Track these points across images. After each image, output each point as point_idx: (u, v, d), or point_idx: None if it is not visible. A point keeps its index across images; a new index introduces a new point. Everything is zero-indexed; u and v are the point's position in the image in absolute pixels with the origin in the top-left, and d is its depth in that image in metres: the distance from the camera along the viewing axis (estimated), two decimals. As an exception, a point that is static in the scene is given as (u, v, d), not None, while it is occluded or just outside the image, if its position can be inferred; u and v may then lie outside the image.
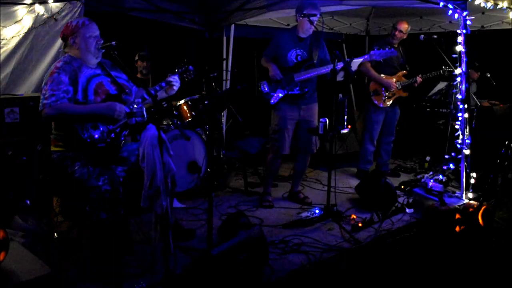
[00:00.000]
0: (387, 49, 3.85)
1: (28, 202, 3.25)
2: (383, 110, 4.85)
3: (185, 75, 3.11)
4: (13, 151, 3.22)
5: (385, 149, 5.06)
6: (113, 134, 2.67)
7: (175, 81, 3.01)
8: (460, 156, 4.03)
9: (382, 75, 4.75)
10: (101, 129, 2.64)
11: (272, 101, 3.94)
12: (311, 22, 3.71)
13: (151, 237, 2.82)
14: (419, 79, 4.76)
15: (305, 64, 3.89)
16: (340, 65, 3.59)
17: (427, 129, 5.71)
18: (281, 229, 3.57)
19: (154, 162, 2.66)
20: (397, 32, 4.69)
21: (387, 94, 4.78)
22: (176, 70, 3.10)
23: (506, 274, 2.83)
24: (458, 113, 4.04)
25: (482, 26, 5.89)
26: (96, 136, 2.61)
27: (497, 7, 4.29)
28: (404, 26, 4.68)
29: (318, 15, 3.79)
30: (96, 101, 2.69)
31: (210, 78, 4.57)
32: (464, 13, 3.83)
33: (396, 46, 4.79)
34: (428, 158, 5.56)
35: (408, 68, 4.86)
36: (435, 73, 4.78)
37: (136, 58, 5.04)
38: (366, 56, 3.84)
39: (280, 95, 3.91)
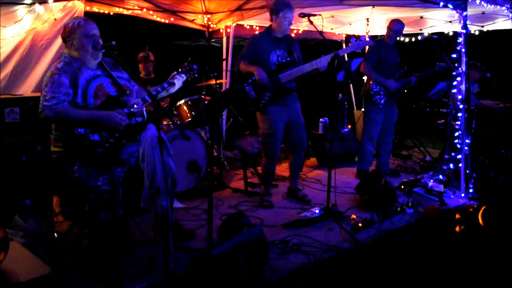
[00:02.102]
0: (363, 39, 3.83)
1: (28, 202, 3.25)
2: (382, 110, 4.85)
3: (189, 74, 3.10)
4: (13, 151, 3.22)
5: (384, 149, 5.07)
6: (112, 139, 2.67)
7: (178, 80, 3.02)
8: (460, 156, 4.03)
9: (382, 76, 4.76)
10: (101, 133, 2.63)
11: (260, 103, 3.90)
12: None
13: (151, 237, 2.82)
14: (414, 79, 4.79)
15: (287, 64, 3.87)
16: (325, 61, 3.55)
17: (427, 129, 5.72)
18: (281, 229, 3.56)
19: (154, 162, 2.66)
20: (391, 33, 4.71)
21: (387, 94, 4.79)
22: (180, 70, 3.10)
23: (506, 274, 2.83)
24: (458, 113, 4.05)
25: (482, 26, 5.89)
26: (95, 139, 2.60)
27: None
28: (399, 26, 4.69)
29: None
30: (96, 104, 2.68)
31: (210, 78, 4.58)
32: (464, 13, 3.84)
33: (392, 46, 4.80)
34: (428, 158, 5.57)
35: (405, 67, 4.87)
36: (430, 70, 4.79)
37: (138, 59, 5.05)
38: (346, 48, 3.81)
39: (266, 97, 3.87)
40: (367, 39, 3.90)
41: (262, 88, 3.85)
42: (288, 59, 3.89)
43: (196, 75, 3.14)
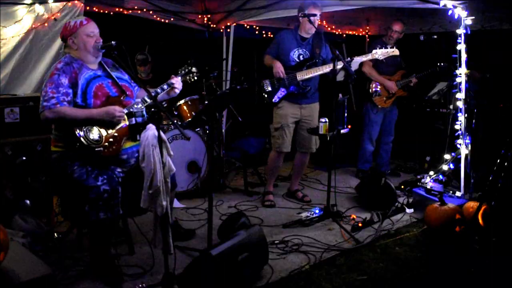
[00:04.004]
0: (388, 47, 3.86)
1: (28, 202, 3.25)
2: (382, 110, 4.86)
3: (188, 77, 3.10)
4: (13, 151, 3.22)
5: (384, 149, 5.07)
6: (111, 138, 2.66)
7: (178, 83, 3.00)
8: (460, 156, 4.03)
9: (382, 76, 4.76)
10: (100, 132, 2.63)
11: (274, 99, 3.95)
12: (311, 22, 3.72)
13: (151, 237, 2.82)
14: (414, 79, 4.79)
15: (307, 63, 3.90)
16: (339, 64, 3.59)
17: (427, 129, 5.71)
18: (281, 229, 3.57)
19: (154, 162, 2.66)
20: (392, 33, 4.71)
21: (388, 94, 4.79)
22: (179, 72, 3.09)
23: (506, 275, 2.83)
24: (458, 113, 4.04)
25: (482, 26, 5.89)
26: (95, 138, 2.60)
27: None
28: (399, 26, 4.69)
29: (318, 15, 3.80)
30: (96, 104, 2.68)
31: (210, 78, 4.57)
32: (464, 13, 3.83)
33: (392, 46, 4.80)
34: (428, 158, 5.56)
35: (405, 67, 4.86)
36: (430, 70, 4.80)
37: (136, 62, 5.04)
38: (368, 54, 3.84)
39: (282, 93, 3.92)
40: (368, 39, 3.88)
41: (278, 82, 3.90)
42: (309, 58, 3.91)
43: (195, 78, 3.15)
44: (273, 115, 4.10)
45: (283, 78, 3.88)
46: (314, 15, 3.75)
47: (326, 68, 3.82)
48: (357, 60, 3.77)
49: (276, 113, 4.05)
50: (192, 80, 3.14)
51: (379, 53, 3.87)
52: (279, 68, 3.86)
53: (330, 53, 4.01)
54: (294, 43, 3.95)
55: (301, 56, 3.95)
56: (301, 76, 3.88)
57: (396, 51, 3.90)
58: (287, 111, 3.98)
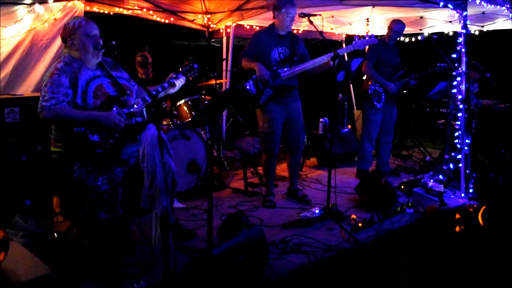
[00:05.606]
0: (367, 37, 3.83)
1: (28, 202, 3.25)
2: (381, 110, 4.85)
3: (189, 74, 3.09)
4: (13, 151, 3.22)
5: (384, 149, 5.07)
6: (112, 140, 2.66)
7: (178, 81, 3.00)
8: (460, 156, 4.03)
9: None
10: (100, 133, 2.63)
11: (261, 100, 3.91)
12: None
13: (151, 237, 2.81)
14: (413, 81, 4.79)
15: (289, 61, 3.88)
16: (335, 58, 3.54)
17: (427, 129, 5.72)
18: (281, 229, 3.56)
19: (154, 162, 2.66)
20: (392, 33, 4.71)
21: (386, 94, 4.79)
22: (180, 69, 3.08)
23: (506, 274, 2.83)
24: (458, 113, 4.05)
25: (482, 26, 5.90)
26: (95, 139, 2.59)
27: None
28: (399, 26, 4.69)
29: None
30: (96, 105, 2.67)
31: (210, 78, 4.58)
32: (464, 13, 3.84)
33: (392, 46, 4.81)
34: (428, 158, 5.57)
35: (405, 68, 4.87)
36: (430, 71, 4.80)
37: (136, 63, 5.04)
38: (349, 46, 3.81)
39: (267, 94, 3.87)
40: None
41: (263, 84, 3.85)
42: (290, 56, 3.89)
43: (197, 75, 3.13)
44: (260, 119, 4.01)
45: (268, 79, 3.82)
46: (315, 15, 3.74)
47: (309, 64, 3.78)
48: (340, 52, 3.70)
49: (264, 117, 3.96)
50: (194, 77, 3.13)
51: (358, 44, 3.82)
52: (262, 70, 3.79)
53: (306, 49, 4.01)
54: (272, 42, 3.90)
55: (281, 55, 3.90)
56: (286, 75, 3.85)
57: (374, 40, 3.86)
58: (276, 114, 3.93)
